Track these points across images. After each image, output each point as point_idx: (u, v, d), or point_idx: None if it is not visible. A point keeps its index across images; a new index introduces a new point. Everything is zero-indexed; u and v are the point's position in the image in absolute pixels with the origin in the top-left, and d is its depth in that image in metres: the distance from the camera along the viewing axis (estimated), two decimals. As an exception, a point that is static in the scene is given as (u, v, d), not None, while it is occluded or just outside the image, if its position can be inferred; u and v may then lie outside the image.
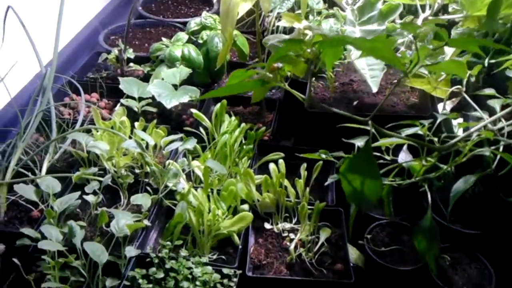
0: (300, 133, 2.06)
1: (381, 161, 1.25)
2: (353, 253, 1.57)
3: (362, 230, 1.58)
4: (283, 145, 1.90)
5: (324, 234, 1.47)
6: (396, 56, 0.81)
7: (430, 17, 1.54)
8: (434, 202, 1.51)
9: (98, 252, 1.22)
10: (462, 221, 1.56)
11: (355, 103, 1.89)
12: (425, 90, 1.75)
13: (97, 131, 1.58)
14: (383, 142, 1.15)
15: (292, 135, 2.14)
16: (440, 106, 1.74)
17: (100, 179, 1.44)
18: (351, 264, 1.54)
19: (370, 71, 1.29)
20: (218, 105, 1.71)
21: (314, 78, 2.05)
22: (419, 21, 1.53)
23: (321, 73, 2.03)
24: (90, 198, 1.38)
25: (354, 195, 0.91)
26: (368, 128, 1.13)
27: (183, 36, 2.02)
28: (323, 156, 1.27)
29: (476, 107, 1.26)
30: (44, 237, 1.24)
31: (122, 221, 1.28)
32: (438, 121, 1.17)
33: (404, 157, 1.17)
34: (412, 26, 0.85)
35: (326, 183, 1.33)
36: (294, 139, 2.13)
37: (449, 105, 1.78)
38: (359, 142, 1.26)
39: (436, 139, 1.23)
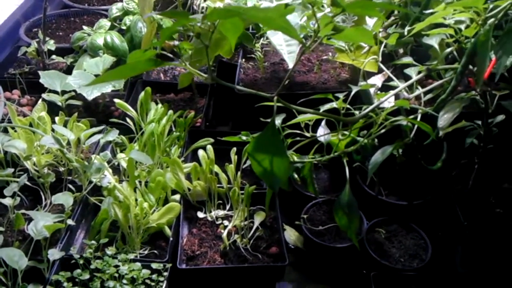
0: (236, 118, 2.02)
1: (301, 138, 1.23)
2: (291, 235, 1.55)
3: (300, 210, 1.57)
4: (213, 131, 1.86)
5: (258, 218, 1.44)
6: (290, 25, 0.77)
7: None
8: (365, 175, 1.50)
9: (16, 257, 1.15)
10: (396, 193, 1.56)
11: (286, 82, 1.85)
12: (355, 66, 1.73)
13: (14, 130, 1.49)
14: (300, 118, 1.12)
15: (230, 120, 2.10)
16: (371, 80, 1.73)
17: (15, 179, 1.36)
18: (291, 246, 1.52)
19: (287, 46, 1.25)
20: (142, 93, 1.65)
21: (244, 59, 2.00)
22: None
23: (251, 54, 1.99)
24: (7, 201, 1.30)
25: (265, 176, 0.88)
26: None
27: (105, 23, 1.94)
28: (244, 138, 1.23)
29: (392, 76, 1.24)
30: (-44, 248, 1.17)
31: (40, 223, 1.21)
32: (352, 93, 1.15)
33: (322, 132, 1.15)
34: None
35: (244, 166, 1.29)
36: (232, 123, 2.09)
37: (380, 79, 1.77)
38: (277, 121, 1.22)
39: (357, 113, 1.21)
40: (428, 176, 1.47)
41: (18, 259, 1.15)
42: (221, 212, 1.48)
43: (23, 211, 1.28)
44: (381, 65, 1.27)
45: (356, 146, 1.08)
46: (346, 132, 1.08)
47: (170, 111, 1.64)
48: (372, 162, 1.04)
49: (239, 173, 1.48)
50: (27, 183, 1.36)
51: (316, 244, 1.46)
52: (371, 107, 1.00)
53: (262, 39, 2.02)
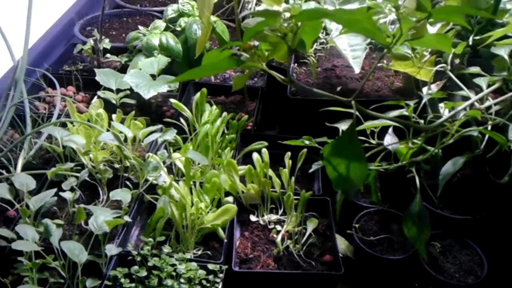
0: (285, 122, 2.02)
1: (366, 145, 1.21)
2: (341, 243, 1.53)
3: (349, 219, 1.55)
4: (266, 134, 1.85)
5: (311, 225, 1.43)
6: (378, 28, 0.76)
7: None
8: (421, 187, 1.48)
9: (77, 251, 1.17)
10: (451, 206, 1.53)
11: (338, 88, 1.85)
12: (409, 74, 1.71)
13: (73, 125, 1.51)
14: (367, 124, 1.11)
15: (277, 125, 2.10)
16: (425, 90, 1.71)
17: (77, 174, 1.38)
18: (341, 255, 1.50)
19: (352, 51, 1.24)
20: (198, 94, 1.66)
21: (296, 64, 2.00)
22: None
23: (303, 59, 1.98)
24: (67, 195, 1.32)
25: (339, 181, 0.86)
26: (352, 111, 1.10)
27: (160, 24, 1.96)
28: (306, 142, 1.23)
29: (462, 86, 1.22)
30: (20, 237, 1.19)
31: (100, 218, 1.23)
32: (423, 101, 1.13)
33: (390, 140, 1.13)
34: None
35: (310, 170, 1.28)
36: (279, 128, 2.08)
37: (434, 88, 1.74)
38: (344, 126, 1.21)
39: (422, 121, 1.19)
40: (488, 190, 1.44)
41: (78, 252, 1.17)
42: (273, 217, 1.47)
43: (82, 205, 1.30)
44: (451, 75, 1.24)
45: (426, 156, 1.06)
46: (416, 141, 1.06)
47: (225, 113, 1.64)
48: (443, 173, 1.02)
49: (293, 178, 1.47)
50: (86, 178, 1.38)
51: (367, 255, 1.44)
52: (447, 116, 0.98)
53: (315, 44, 2.01)
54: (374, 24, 0.75)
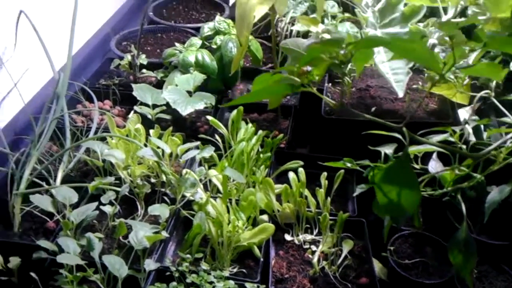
0: (316, 140, 2.02)
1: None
2: (375, 266, 1.52)
3: (381, 241, 1.54)
4: (300, 153, 1.86)
5: (347, 246, 1.42)
6: (434, 57, 0.77)
7: (453, 20, 1.50)
8: (456, 211, 1.47)
9: (117, 265, 1.18)
10: (487, 231, 1.51)
11: (373, 109, 1.85)
12: (444, 96, 1.71)
13: (112, 139, 1.54)
14: (413, 150, 1.11)
15: (308, 143, 2.10)
16: (460, 112, 1.71)
17: (116, 189, 1.40)
18: (375, 277, 1.49)
19: (394, 75, 1.24)
20: (235, 112, 1.67)
21: (330, 84, 2.01)
22: (441, 25, 1.49)
23: (337, 79, 1.99)
24: (107, 209, 1.33)
25: (390, 207, 0.86)
26: (396, 135, 1.10)
27: (196, 41, 1.99)
28: (348, 165, 1.23)
29: (507, 112, 1.21)
30: (61, 250, 1.20)
31: (140, 233, 1.24)
32: (470, 128, 1.13)
33: (434, 165, 1.13)
34: (448, 26, 0.81)
35: (355, 194, 1.28)
36: (310, 146, 2.09)
37: (468, 111, 1.74)
38: (387, 150, 1.21)
39: (464, 146, 1.19)
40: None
41: (119, 267, 1.18)
42: (308, 237, 1.47)
43: (122, 219, 1.31)
44: (496, 102, 1.23)
45: (473, 182, 1.06)
46: (463, 168, 1.05)
47: (260, 131, 1.65)
48: (489, 200, 1.01)
49: (329, 198, 1.47)
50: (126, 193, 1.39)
51: (403, 278, 1.42)
52: (497, 144, 0.98)
53: (349, 64, 2.01)
54: (430, 53, 0.75)
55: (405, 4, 1.42)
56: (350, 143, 1.73)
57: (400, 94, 1.18)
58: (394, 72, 1.25)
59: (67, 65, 1.68)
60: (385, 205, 0.87)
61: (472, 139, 1.30)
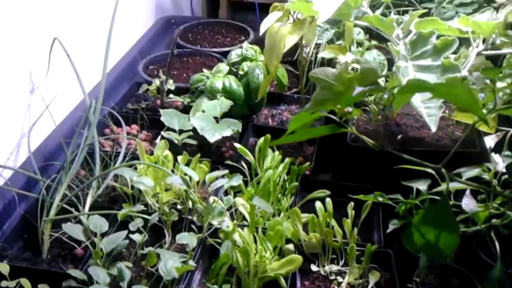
0: (340, 167, 2.02)
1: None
2: (402, 297, 1.51)
3: (405, 271, 1.52)
4: (326, 181, 1.86)
5: (373, 278, 1.41)
6: (476, 102, 0.77)
7: (484, 52, 1.50)
8: (485, 245, 1.45)
9: (146, 295, 1.19)
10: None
11: (399, 137, 1.84)
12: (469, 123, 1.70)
13: (141, 165, 1.56)
14: (445, 187, 1.10)
15: (331, 169, 2.10)
16: (486, 140, 1.70)
17: (146, 216, 1.41)
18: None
19: (426, 109, 1.24)
20: (262, 139, 1.69)
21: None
22: (472, 55, 1.49)
23: (363, 106, 1.99)
24: (136, 237, 1.35)
25: (427, 248, 0.86)
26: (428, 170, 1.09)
27: (223, 67, 2.01)
28: (380, 199, 1.22)
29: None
30: (90, 279, 1.22)
31: (169, 263, 1.25)
32: (504, 165, 1.12)
33: (468, 202, 1.12)
34: (492, 71, 0.82)
35: (388, 231, 1.28)
36: (333, 173, 2.08)
37: (494, 139, 1.73)
38: (420, 186, 1.21)
39: (495, 181, 1.18)
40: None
41: (148, 297, 1.19)
42: (334, 267, 1.46)
43: (150, 248, 1.32)
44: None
45: (507, 220, 1.05)
46: (496, 205, 1.05)
47: (287, 159, 1.66)
48: (524, 239, 1.00)
49: (355, 229, 1.47)
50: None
51: (430, 310, 1.41)
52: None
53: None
54: (473, 98, 0.76)
55: (438, 37, 1.41)
56: (376, 171, 1.72)
57: (433, 129, 1.17)
58: (426, 106, 1.24)
59: (99, 94, 1.71)
60: (422, 245, 0.87)
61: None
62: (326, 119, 2.07)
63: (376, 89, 0.85)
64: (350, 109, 0.96)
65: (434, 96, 0.85)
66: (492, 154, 1.63)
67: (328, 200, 1.51)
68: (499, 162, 1.32)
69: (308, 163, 1.72)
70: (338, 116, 0.94)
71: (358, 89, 0.88)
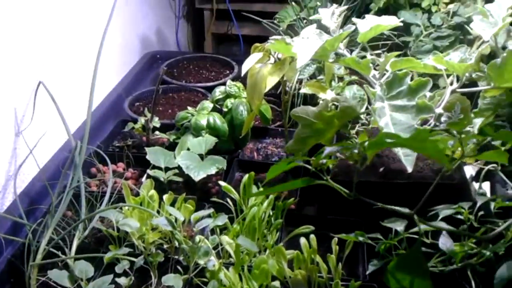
0: (324, 200, 2.04)
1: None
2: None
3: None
4: (310, 215, 1.88)
5: (358, 313, 1.43)
6: (441, 153, 0.81)
7: (458, 90, 1.55)
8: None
9: None
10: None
11: (381, 169, 1.88)
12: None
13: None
14: (422, 228, 1.13)
15: (316, 202, 2.12)
16: (466, 169, 1.74)
17: (132, 259, 1.42)
18: None
19: (403, 149, 1.27)
20: (246, 177, 1.71)
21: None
22: (447, 93, 1.53)
23: (346, 138, 2.03)
24: (122, 281, 1.36)
25: (402, 293, 0.89)
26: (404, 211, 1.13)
27: (208, 104, 2.05)
28: (360, 238, 1.25)
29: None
30: (77, 325, 1.22)
31: (156, 307, 1.26)
32: (478, 205, 1.16)
33: (444, 241, 1.15)
34: (458, 124, 0.86)
35: (368, 272, 1.31)
36: (318, 206, 2.10)
37: (474, 169, 1.78)
38: (397, 227, 1.24)
39: (473, 217, 1.21)
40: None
41: None
42: (320, 303, 1.48)
43: (137, 291, 1.34)
44: (502, 175, 1.27)
45: (483, 259, 1.08)
46: (472, 245, 1.08)
47: (271, 195, 1.68)
48: (498, 277, 1.03)
49: (340, 264, 1.49)
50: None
51: None
52: (505, 225, 1.00)
53: (357, 125, 2.06)
54: (440, 152, 0.79)
55: (412, 78, 1.46)
56: (355, 203, 1.75)
57: (409, 169, 1.21)
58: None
59: (85, 134, 1.74)
60: (397, 290, 0.90)
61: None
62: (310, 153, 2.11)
63: (346, 147, 0.89)
64: (324, 161, 0.99)
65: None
66: (473, 183, 1.68)
67: (312, 236, 1.53)
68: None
69: (292, 199, 1.75)
70: (313, 167, 0.97)
71: (328, 149, 0.92)
